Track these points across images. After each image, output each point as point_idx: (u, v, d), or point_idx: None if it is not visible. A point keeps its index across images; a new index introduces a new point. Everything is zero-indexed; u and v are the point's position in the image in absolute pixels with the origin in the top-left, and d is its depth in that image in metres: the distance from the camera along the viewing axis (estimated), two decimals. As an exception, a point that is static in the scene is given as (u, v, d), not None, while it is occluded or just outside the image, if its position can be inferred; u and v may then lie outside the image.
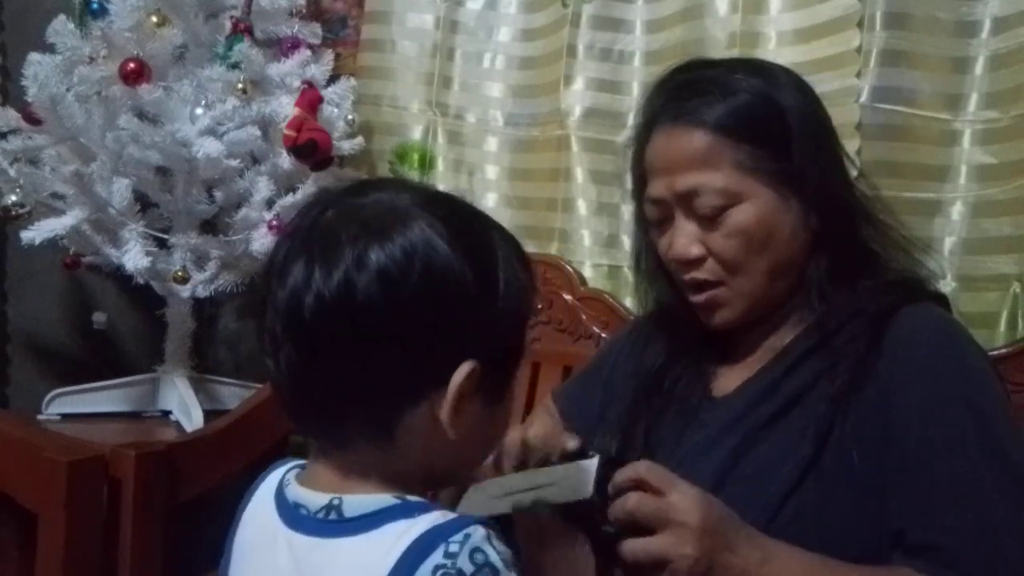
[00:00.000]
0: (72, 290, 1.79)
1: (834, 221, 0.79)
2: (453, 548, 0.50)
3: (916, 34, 1.20)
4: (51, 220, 1.38)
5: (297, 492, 0.58)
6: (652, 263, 0.89)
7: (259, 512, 0.61)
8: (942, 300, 0.82)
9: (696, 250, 0.79)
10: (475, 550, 0.50)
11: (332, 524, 0.54)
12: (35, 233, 1.37)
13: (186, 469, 1.14)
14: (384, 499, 0.54)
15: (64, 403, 1.55)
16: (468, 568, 0.49)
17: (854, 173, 0.86)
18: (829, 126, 0.83)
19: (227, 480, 1.14)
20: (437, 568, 0.49)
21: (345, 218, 0.55)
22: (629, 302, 1.41)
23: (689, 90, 0.81)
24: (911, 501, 0.69)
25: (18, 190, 1.38)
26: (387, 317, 0.52)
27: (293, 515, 0.57)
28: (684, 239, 0.79)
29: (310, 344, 0.54)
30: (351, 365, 0.53)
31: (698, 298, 0.81)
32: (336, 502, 0.55)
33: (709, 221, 0.78)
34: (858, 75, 1.21)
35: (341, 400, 0.54)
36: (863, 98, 1.20)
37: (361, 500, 0.54)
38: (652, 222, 0.84)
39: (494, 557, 0.50)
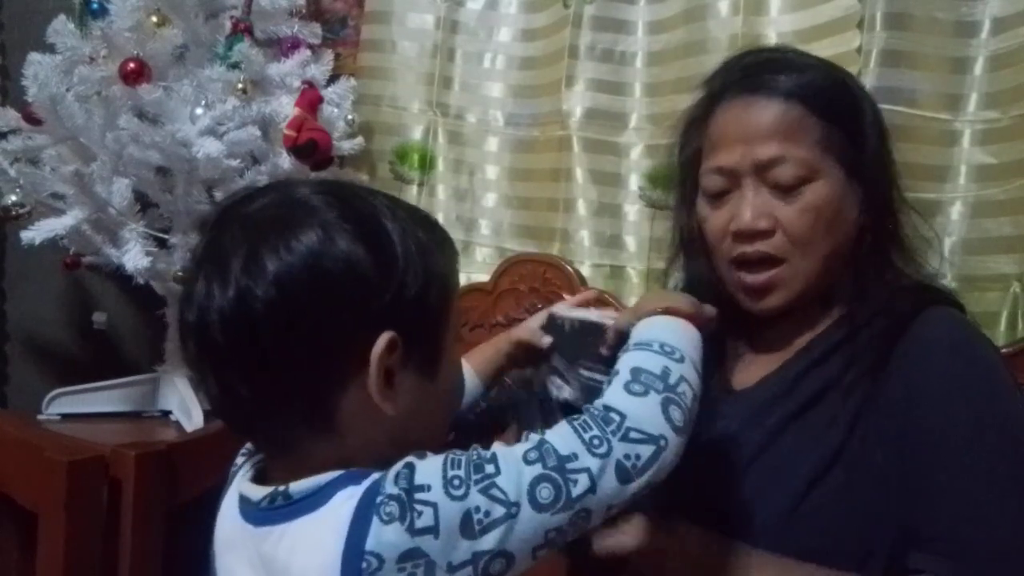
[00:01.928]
0: (72, 290, 1.79)
1: (883, 217, 0.80)
2: (383, 487, 0.51)
3: (916, 34, 1.21)
4: (51, 220, 1.38)
5: (244, 487, 0.59)
6: (693, 243, 0.87)
7: (228, 507, 0.62)
8: (959, 307, 0.82)
9: (765, 222, 0.78)
10: (396, 475, 0.52)
11: (280, 509, 0.55)
12: (35, 233, 1.37)
13: (186, 469, 1.14)
14: (327, 474, 0.54)
15: (64, 403, 1.55)
16: (392, 488, 0.51)
17: None
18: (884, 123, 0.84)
19: (227, 480, 1.13)
20: (378, 507, 0.50)
21: (229, 230, 0.56)
22: (630, 302, 1.41)
23: (768, 66, 0.81)
24: (931, 507, 0.68)
25: (18, 190, 1.38)
26: (288, 316, 0.53)
27: (245, 508, 0.58)
28: (755, 208, 0.78)
29: (226, 359, 0.55)
30: (270, 369, 0.54)
31: (754, 278, 0.80)
32: (282, 488, 0.55)
33: (784, 192, 0.77)
34: (858, 75, 1.21)
35: (272, 403, 0.55)
36: (863, 98, 1.20)
37: (306, 481, 0.55)
38: (710, 194, 0.83)
39: (409, 458, 0.53)
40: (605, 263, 1.49)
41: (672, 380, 0.57)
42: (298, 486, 0.55)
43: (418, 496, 0.50)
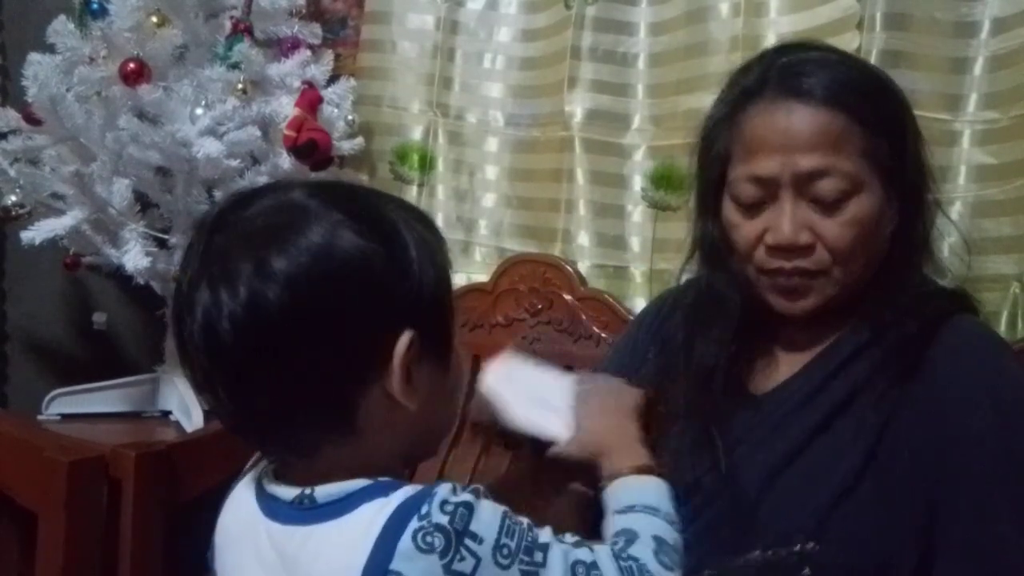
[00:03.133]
0: (72, 290, 1.79)
1: (915, 223, 0.77)
2: (425, 510, 0.51)
3: (915, 35, 1.21)
4: (51, 220, 1.38)
5: (272, 485, 0.59)
6: (716, 250, 0.83)
7: (240, 500, 0.62)
8: (977, 314, 0.81)
9: (806, 237, 0.74)
10: (443, 502, 0.52)
11: (306, 511, 0.55)
12: (35, 233, 1.37)
13: (186, 469, 1.14)
14: (355, 482, 0.54)
15: (64, 403, 1.55)
16: (443, 519, 0.51)
17: None
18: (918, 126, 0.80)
19: (227, 480, 1.13)
20: (416, 532, 0.50)
21: (234, 233, 0.55)
22: (633, 303, 1.41)
23: (809, 66, 0.76)
24: (955, 537, 0.68)
25: (18, 190, 1.38)
26: (306, 319, 0.52)
27: (271, 505, 0.58)
28: (795, 223, 0.73)
29: (239, 367, 0.53)
30: (288, 374, 0.53)
31: (790, 283, 0.76)
32: (308, 491, 0.55)
33: (826, 207, 0.73)
34: (858, 76, 1.21)
35: (291, 410, 0.54)
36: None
37: (333, 485, 0.55)
38: (743, 203, 0.77)
39: (463, 497, 0.52)
40: (608, 264, 1.49)
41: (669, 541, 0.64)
42: (324, 491, 0.54)
43: (468, 542, 0.51)
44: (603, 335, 1.35)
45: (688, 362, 0.83)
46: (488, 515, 0.53)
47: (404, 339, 0.54)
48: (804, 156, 0.73)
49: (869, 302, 0.77)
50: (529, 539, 0.54)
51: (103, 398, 1.58)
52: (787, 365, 0.80)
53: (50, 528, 1.02)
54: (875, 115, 0.74)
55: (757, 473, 0.73)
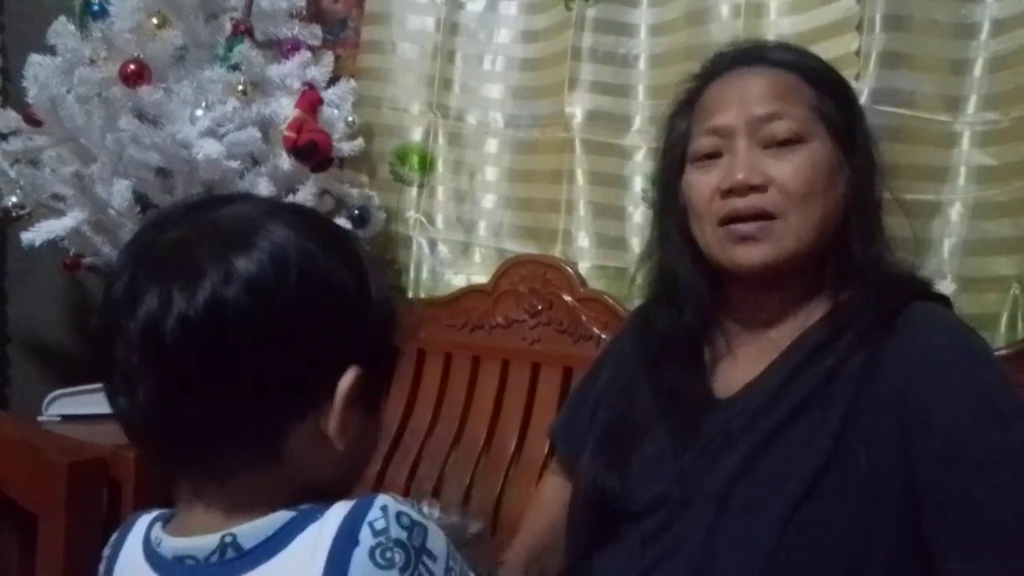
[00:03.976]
0: (72, 291, 1.79)
1: (865, 206, 0.80)
2: (379, 524, 0.48)
3: (915, 36, 1.21)
4: (51, 221, 1.38)
5: (175, 544, 0.53)
6: (671, 230, 0.87)
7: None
8: (946, 302, 0.82)
9: (759, 178, 0.78)
10: (399, 514, 0.49)
11: (232, 562, 0.50)
12: (35, 234, 1.37)
13: (186, 470, 1.14)
14: (280, 516, 0.51)
15: (64, 404, 1.55)
16: (402, 534, 0.48)
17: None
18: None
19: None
20: (374, 549, 0.48)
21: (199, 233, 0.51)
22: (633, 304, 1.41)
23: (760, 44, 0.86)
24: (949, 527, 0.68)
25: (18, 191, 1.38)
26: (264, 329, 0.49)
27: (178, 571, 0.52)
28: (750, 164, 0.78)
29: (178, 372, 0.49)
30: (229, 388, 0.49)
31: (746, 227, 0.78)
32: (228, 539, 0.50)
33: (779, 148, 0.78)
34: (857, 77, 1.21)
35: (220, 427, 0.50)
36: (862, 100, 1.19)
37: (256, 525, 0.50)
38: (701, 156, 0.83)
39: (416, 515, 0.50)
40: (608, 265, 1.49)
41: None
42: (248, 535, 0.50)
43: (425, 560, 0.49)
44: (603, 336, 1.35)
45: (654, 374, 0.85)
46: (436, 533, 0.51)
47: (350, 375, 0.52)
48: (757, 104, 0.79)
49: (826, 290, 0.79)
50: (463, 564, 0.52)
51: (103, 399, 1.57)
52: (750, 365, 0.80)
53: (50, 529, 1.02)
54: (823, 80, 0.82)
55: (723, 475, 0.73)
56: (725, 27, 1.36)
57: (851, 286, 0.78)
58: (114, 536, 0.60)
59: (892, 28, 1.21)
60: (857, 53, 1.23)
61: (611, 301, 1.38)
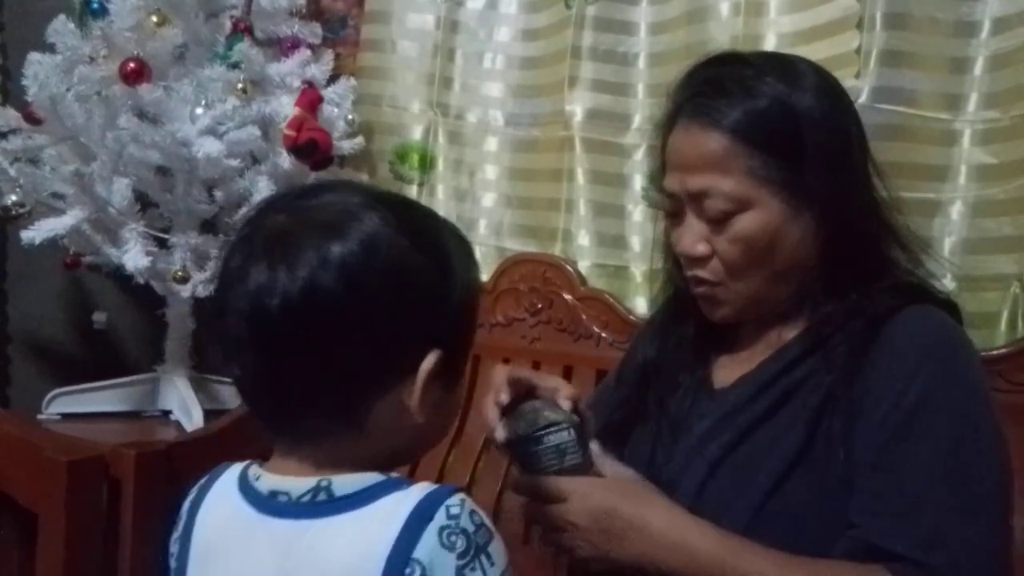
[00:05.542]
0: (72, 290, 1.79)
1: (848, 231, 0.78)
2: (454, 510, 0.54)
3: (915, 35, 1.20)
4: (51, 220, 1.38)
5: (273, 481, 0.59)
6: (669, 249, 0.90)
7: (221, 509, 0.62)
8: (951, 306, 0.81)
9: (702, 248, 0.80)
10: (472, 512, 0.54)
11: (322, 505, 0.56)
12: (35, 233, 1.37)
13: (186, 469, 1.14)
14: (371, 476, 0.56)
15: (64, 403, 1.55)
16: (470, 527, 0.54)
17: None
18: (851, 132, 0.81)
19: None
20: (443, 529, 0.53)
21: (301, 220, 0.57)
22: (633, 302, 1.41)
23: (713, 87, 0.80)
24: (871, 501, 0.70)
25: (18, 190, 1.38)
26: (353, 313, 0.54)
27: (271, 504, 0.58)
28: (691, 236, 0.80)
29: (278, 345, 0.55)
30: (320, 363, 0.55)
31: (700, 291, 0.83)
32: (324, 483, 0.56)
33: (716, 223, 0.79)
34: (857, 76, 1.21)
35: (311, 396, 0.56)
36: (863, 98, 1.20)
37: (349, 478, 0.56)
38: (666, 212, 0.85)
39: (487, 521, 0.55)
40: (608, 263, 1.49)
41: None
42: (342, 484, 0.56)
43: (483, 559, 0.53)
44: (603, 335, 1.35)
45: (660, 365, 0.90)
46: (500, 545, 0.55)
47: (432, 357, 0.57)
48: (692, 176, 0.79)
49: (815, 300, 0.80)
50: None
51: (103, 398, 1.59)
52: (746, 362, 0.83)
53: (50, 528, 1.02)
54: (770, 136, 0.77)
55: (706, 460, 0.77)
56: (725, 25, 1.36)
57: (847, 294, 0.78)
58: (200, 481, 0.66)
59: (892, 26, 1.20)
60: (857, 51, 1.23)
61: (611, 300, 1.38)
